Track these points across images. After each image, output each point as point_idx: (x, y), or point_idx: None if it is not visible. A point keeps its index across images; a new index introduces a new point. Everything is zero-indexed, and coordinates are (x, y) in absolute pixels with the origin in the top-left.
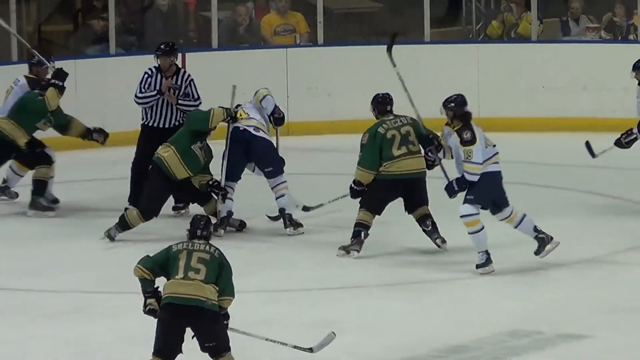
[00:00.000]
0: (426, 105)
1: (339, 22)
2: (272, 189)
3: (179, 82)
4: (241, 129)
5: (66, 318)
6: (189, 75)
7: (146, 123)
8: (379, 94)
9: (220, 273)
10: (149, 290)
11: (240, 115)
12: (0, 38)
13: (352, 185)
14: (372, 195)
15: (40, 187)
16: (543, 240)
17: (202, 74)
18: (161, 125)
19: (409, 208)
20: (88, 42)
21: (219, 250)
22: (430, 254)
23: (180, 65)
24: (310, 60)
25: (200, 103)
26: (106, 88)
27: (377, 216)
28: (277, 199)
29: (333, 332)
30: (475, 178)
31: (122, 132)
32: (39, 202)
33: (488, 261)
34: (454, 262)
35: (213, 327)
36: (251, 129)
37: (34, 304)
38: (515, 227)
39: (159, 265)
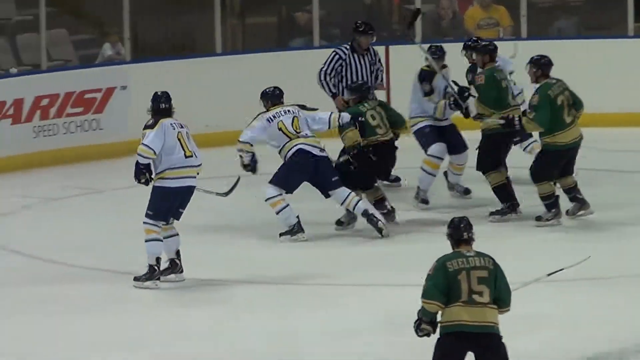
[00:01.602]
0: (630, 99)
1: (543, 15)
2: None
3: (373, 58)
4: (310, 151)
5: (271, 310)
6: (377, 52)
7: None
8: (536, 56)
9: (496, 284)
10: (431, 319)
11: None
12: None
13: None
14: (547, 166)
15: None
16: None
17: (405, 67)
18: None
19: (561, 173)
20: (292, 35)
21: (492, 259)
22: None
23: (382, 58)
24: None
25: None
26: (311, 80)
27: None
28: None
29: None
30: (144, 161)
31: None
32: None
33: None
34: None
35: (500, 352)
36: (317, 150)
37: (238, 295)
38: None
39: (445, 291)
